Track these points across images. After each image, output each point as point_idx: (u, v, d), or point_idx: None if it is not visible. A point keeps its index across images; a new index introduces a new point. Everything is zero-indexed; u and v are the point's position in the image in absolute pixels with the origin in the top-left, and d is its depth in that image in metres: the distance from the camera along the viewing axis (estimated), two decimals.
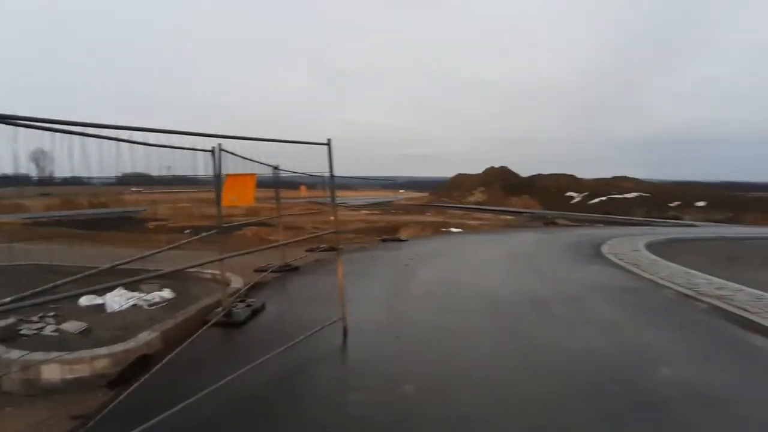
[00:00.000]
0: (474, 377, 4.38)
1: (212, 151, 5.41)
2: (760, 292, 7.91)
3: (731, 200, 53.07)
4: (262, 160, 6.93)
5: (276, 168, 8.40)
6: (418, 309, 6.79)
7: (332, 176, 5.14)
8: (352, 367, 4.74)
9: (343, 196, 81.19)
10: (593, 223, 33.99)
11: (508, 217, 40.71)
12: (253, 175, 5.62)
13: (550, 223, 31.52)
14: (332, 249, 11.84)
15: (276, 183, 8.98)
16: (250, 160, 5.85)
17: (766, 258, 14.59)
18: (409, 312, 6.64)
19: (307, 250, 12.14)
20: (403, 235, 20.31)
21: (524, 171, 73.06)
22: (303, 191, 14.65)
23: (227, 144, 5.35)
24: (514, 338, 5.58)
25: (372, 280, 8.80)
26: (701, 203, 52.51)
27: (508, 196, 64.85)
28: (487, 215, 42.21)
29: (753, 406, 3.94)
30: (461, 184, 75.82)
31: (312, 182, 11.15)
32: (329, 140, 5.00)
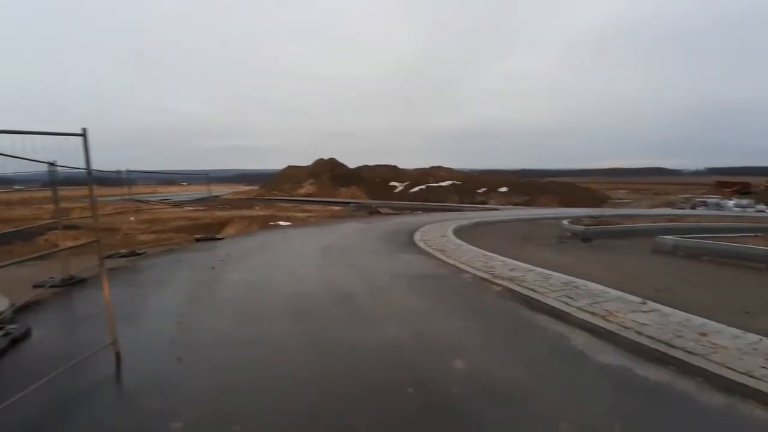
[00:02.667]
0: (260, 401, 4.21)
1: None
2: (547, 271, 9.11)
3: (528, 185, 63.88)
4: (33, 156, 5.61)
5: (53, 164, 7.94)
6: (213, 320, 6.63)
7: (90, 171, 4.85)
8: (113, 405, 4.27)
9: (167, 191, 75.69)
10: (413, 210, 37.49)
11: (336, 207, 42.71)
12: None
13: (374, 212, 33.66)
14: (133, 254, 12.17)
15: (53, 181, 8.38)
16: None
17: (553, 236, 17.30)
18: (202, 325, 6.45)
19: (104, 257, 10.14)
20: (229, 231, 20.65)
21: (352, 162, 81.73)
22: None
23: None
24: (313, 344, 5.63)
25: (169, 289, 8.55)
26: (504, 189, 61.78)
27: (337, 186, 69.87)
28: (316, 207, 43.95)
29: (539, 397, 4.18)
30: (292, 176, 79.47)
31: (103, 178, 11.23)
32: (85, 130, 4.71)
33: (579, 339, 5.64)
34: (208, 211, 38.49)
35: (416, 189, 65.38)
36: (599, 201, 56.31)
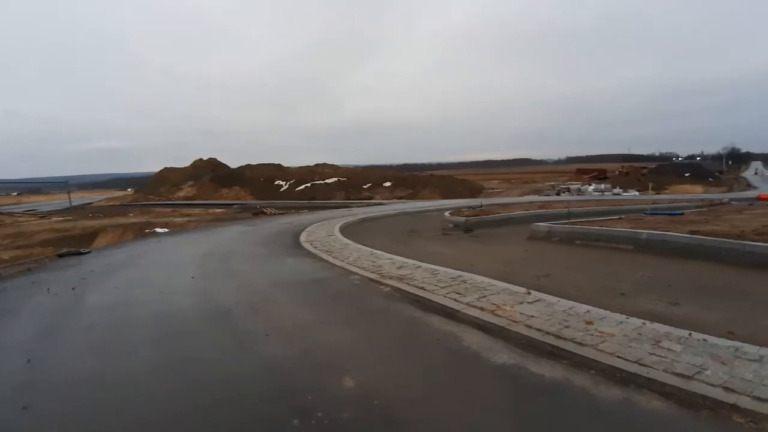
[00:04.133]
0: None
1: None
2: (435, 267, 8.87)
3: (411, 179, 65.28)
4: None
5: None
6: (69, 355, 5.59)
7: None
8: None
9: (34, 201, 66.17)
10: (299, 209, 36.46)
11: (218, 210, 40.24)
12: None
13: (258, 213, 32.23)
14: None
15: None
16: None
17: (437, 228, 17.46)
18: (55, 362, 5.38)
19: None
20: (101, 242, 19.43)
21: (233, 162, 77.48)
22: None
23: None
24: (184, 375, 4.82)
25: (18, 320, 7.16)
26: (388, 183, 62.62)
27: (219, 188, 66.85)
28: (197, 210, 41.12)
29: (437, 412, 3.73)
30: (168, 179, 74.38)
31: None
32: None
33: (471, 338, 5.31)
34: (79, 221, 34.90)
35: (302, 187, 64.31)
36: (475, 191, 59.31)
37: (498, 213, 19.77)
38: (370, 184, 63.38)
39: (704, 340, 4.65)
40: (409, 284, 7.60)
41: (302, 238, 14.94)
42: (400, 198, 52.53)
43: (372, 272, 8.74)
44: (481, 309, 6.01)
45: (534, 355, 4.74)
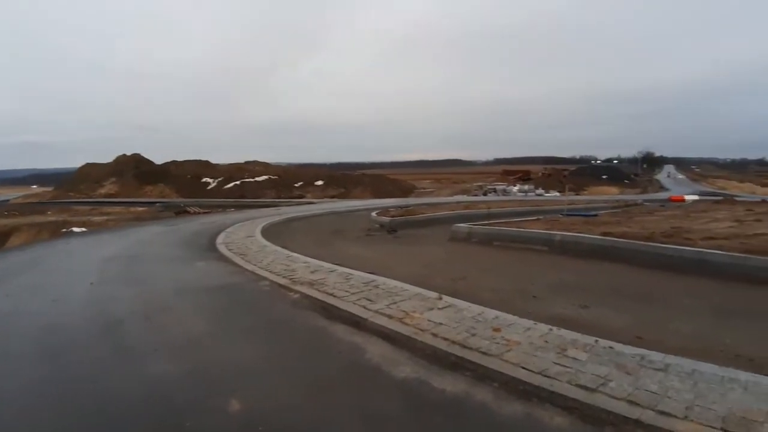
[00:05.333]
0: None
1: None
2: (350, 271, 8.45)
3: (343, 178, 64.74)
4: None
5: None
6: None
7: None
8: None
9: None
10: (225, 208, 34.87)
11: (140, 209, 37.88)
12: None
13: (181, 212, 30.49)
14: None
15: None
16: None
17: (363, 229, 17.09)
18: None
19: None
20: (15, 241, 18.53)
21: (159, 158, 74.40)
22: None
23: None
24: (61, 397, 4.22)
25: None
26: (320, 182, 61.81)
27: (143, 185, 63.42)
28: (118, 209, 38.66)
29: None
30: (90, 175, 69.77)
31: None
32: None
33: (375, 350, 4.92)
34: None
35: (231, 185, 62.33)
36: (407, 191, 59.76)
37: (423, 213, 19.68)
38: (301, 183, 62.35)
39: (611, 347, 4.48)
40: (319, 290, 7.10)
41: (219, 239, 14.07)
42: (331, 197, 51.92)
43: (283, 277, 8.18)
44: (390, 317, 5.63)
45: (438, 368, 4.41)
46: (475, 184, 67.30)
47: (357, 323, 5.70)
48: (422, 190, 63.67)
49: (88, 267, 10.45)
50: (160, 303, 7.16)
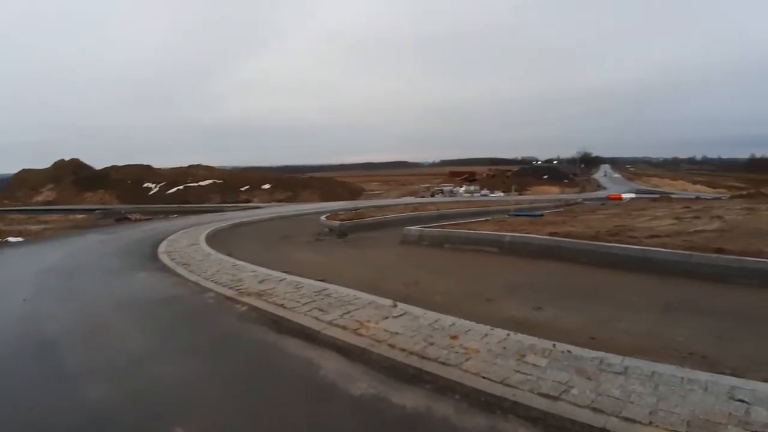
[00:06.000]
0: None
1: None
2: (300, 279, 8.12)
3: (291, 181, 63.55)
4: None
5: None
6: None
7: None
8: None
9: None
10: (168, 214, 33.43)
11: (80, 216, 35.59)
12: None
13: (122, 219, 28.96)
14: None
15: None
16: None
17: (312, 233, 16.69)
18: None
19: None
20: None
21: (99, 163, 69.71)
22: None
23: None
24: None
25: None
26: (267, 185, 60.40)
27: (82, 191, 59.99)
28: (56, 216, 36.17)
29: None
30: (26, 181, 65.53)
31: None
32: None
33: (330, 365, 4.66)
34: None
35: (174, 190, 59.91)
36: (356, 194, 59.47)
37: (373, 216, 19.46)
38: (248, 187, 60.71)
39: (569, 351, 4.42)
40: (268, 301, 6.74)
41: (161, 248, 13.31)
42: (279, 201, 50.84)
43: (230, 288, 7.75)
44: (344, 328, 5.38)
45: (396, 381, 4.21)
46: (422, 185, 67.88)
47: (309, 336, 5.41)
48: (371, 193, 63.57)
49: (21, 280, 9.86)
50: (98, 319, 6.71)
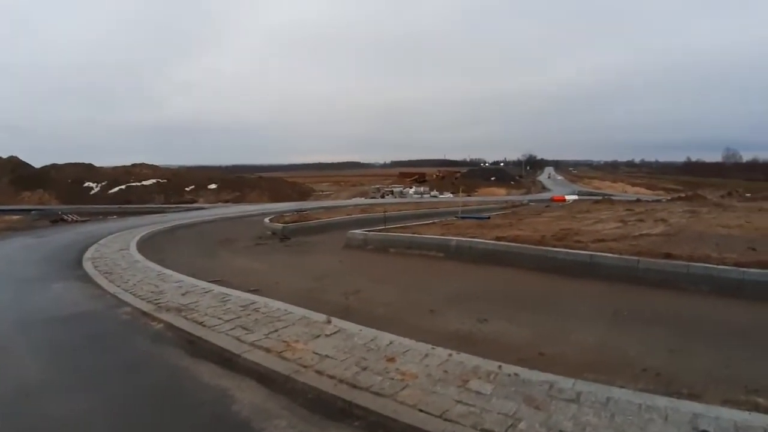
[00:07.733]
0: None
1: None
2: (227, 291, 7.36)
3: (238, 181, 61.60)
4: None
5: None
6: None
7: None
8: None
9: None
10: (108, 215, 31.47)
11: (15, 217, 32.61)
12: None
13: (58, 220, 26.96)
14: None
15: None
16: None
17: (254, 236, 15.81)
18: None
19: None
20: None
21: (38, 161, 64.80)
22: None
23: None
24: None
25: None
26: (213, 186, 58.32)
27: (20, 191, 55.95)
28: None
29: None
30: None
31: None
32: None
33: (246, 397, 3.98)
34: None
35: (116, 190, 56.97)
36: (304, 194, 58.29)
37: (319, 218, 18.75)
38: (193, 187, 58.36)
39: (516, 374, 3.95)
40: (187, 318, 5.96)
41: (88, 254, 12.11)
42: (225, 201, 49.09)
43: (148, 302, 6.89)
44: (267, 350, 4.71)
45: (321, 418, 3.59)
46: (372, 186, 67.41)
47: (228, 361, 4.71)
48: (321, 194, 62.50)
49: None
50: None
